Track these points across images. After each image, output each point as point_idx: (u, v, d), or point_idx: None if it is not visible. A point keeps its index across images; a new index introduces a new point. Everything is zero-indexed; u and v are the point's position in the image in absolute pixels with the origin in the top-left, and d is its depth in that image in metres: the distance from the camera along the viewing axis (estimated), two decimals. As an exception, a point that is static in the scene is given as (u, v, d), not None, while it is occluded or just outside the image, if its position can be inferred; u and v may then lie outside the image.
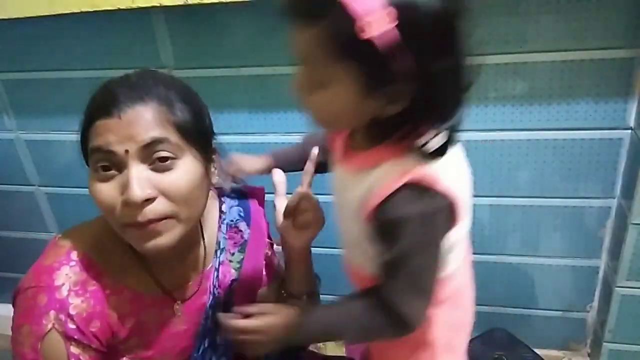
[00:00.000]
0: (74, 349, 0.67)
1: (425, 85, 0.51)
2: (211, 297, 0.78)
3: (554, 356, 1.32)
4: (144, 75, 0.66)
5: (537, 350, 1.23)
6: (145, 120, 0.61)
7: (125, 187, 0.60)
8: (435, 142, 0.55)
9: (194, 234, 0.75)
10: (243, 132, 1.24)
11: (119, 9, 1.08)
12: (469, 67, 0.54)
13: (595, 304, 1.25)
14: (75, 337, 0.67)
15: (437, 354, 0.72)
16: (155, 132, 0.61)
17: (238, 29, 1.15)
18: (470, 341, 1.26)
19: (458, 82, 0.54)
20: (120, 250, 0.71)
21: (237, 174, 0.81)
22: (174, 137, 0.62)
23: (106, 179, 0.61)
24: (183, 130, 0.63)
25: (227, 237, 0.81)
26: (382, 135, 0.58)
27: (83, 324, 0.67)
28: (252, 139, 1.25)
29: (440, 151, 0.56)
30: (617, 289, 1.14)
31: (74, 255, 0.68)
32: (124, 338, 0.72)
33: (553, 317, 1.30)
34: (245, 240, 0.83)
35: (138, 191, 0.59)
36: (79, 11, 1.10)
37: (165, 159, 0.61)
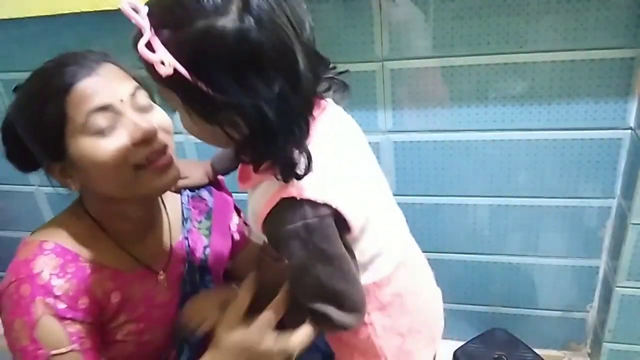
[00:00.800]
0: (70, 328, 0.68)
1: (247, 115, 0.52)
2: (187, 265, 0.82)
3: (554, 356, 1.32)
4: (76, 51, 0.73)
5: (537, 350, 1.23)
6: (118, 74, 0.68)
7: (135, 129, 0.65)
8: (287, 168, 0.55)
9: (157, 207, 0.80)
10: (243, 132, 1.24)
11: (119, 9, 1.08)
12: (298, 94, 0.53)
13: (595, 304, 1.25)
14: (68, 315, 0.68)
15: None
16: (132, 82, 0.69)
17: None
18: (470, 341, 1.27)
19: (285, 110, 0.52)
20: (90, 234, 0.73)
21: (180, 187, 0.86)
22: (139, 85, 0.70)
23: (109, 134, 0.65)
24: (139, 82, 0.71)
25: (190, 207, 0.86)
26: (249, 158, 0.58)
27: (72, 302, 0.68)
28: (252, 139, 1.25)
29: (302, 170, 0.55)
30: (617, 289, 1.14)
31: (46, 245, 0.70)
32: (113, 314, 0.73)
33: (553, 317, 1.30)
34: (210, 208, 0.87)
35: (148, 124, 0.66)
36: (79, 11, 1.10)
37: (144, 104, 0.69)
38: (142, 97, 0.69)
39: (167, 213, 0.83)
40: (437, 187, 1.20)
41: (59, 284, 0.68)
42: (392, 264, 0.69)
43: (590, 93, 1.03)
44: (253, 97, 0.51)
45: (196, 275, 0.83)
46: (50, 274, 0.68)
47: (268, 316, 0.63)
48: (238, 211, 0.95)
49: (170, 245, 0.82)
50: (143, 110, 0.69)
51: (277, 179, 0.56)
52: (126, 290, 0.75)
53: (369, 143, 1.17)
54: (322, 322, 0.63)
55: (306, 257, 0.59)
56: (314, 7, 1.08)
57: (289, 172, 0.55)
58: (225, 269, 0.90)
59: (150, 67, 0.51)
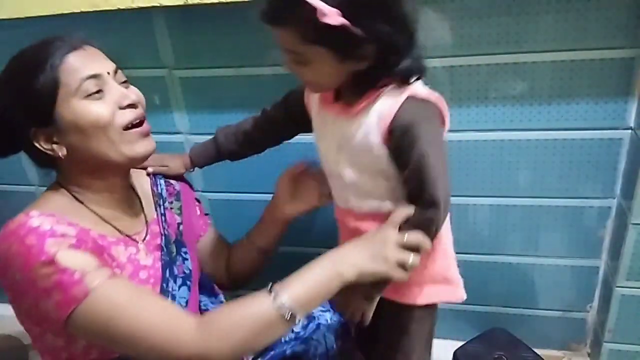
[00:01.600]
0: (89, 256, 0.70)
1: (380, 43, 0.68)
2: (163, 237, 0.89)
3: (554, 356, 1.32)
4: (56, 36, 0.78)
5: (537, 350, 1.23)
6: (101, 54, 0.79)
7: (122, 96, 0.76)
8: (410, 73, 0.73)
9: (129, 186, 0.89)
10: (243, 132, 1.24)
11: (119, 9, 1.08)
12: (411, 21, 0.70)
13: (595, 304, 1.25)
14: (82, 247, 0.70)
15: (451, 263, 0.88)
16: (112, 62, 0.79)
17: (238, 29, 1.15)
18: (470, 341, 1.27)
19: (405, 35, 0.70)
20: (70, 207, 0.77)
21: (158, 172, 0.98)
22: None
23: (98, 99, 0.74)
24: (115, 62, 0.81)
25: (163, 188, 0.96)
26: (366, 85, 0.75)
27: (79, 240, 0.71)
28: (252, 139, 1.25)
29: (417, 77, 0.74)
30: (617, 289, 1.14)
31: (33, 213, 0.71)
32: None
33: (553, 317, 1.30)
34: (178, 191, 0.99)
35: (133, 93, 0.79)
36: (79, 11, 1.10)
37: (124, 81, 0.80)
38: (121, 76, 0.80)
39: (137, 194, 0.91)
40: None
41: (62, 229, 0.70)
42: None
43: (590, 93, 1.03)
44: (393, 27, 0.67)
45: (173, 247, 0.91)
46: (49, 224, 0.70)
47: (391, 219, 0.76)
48: (198, 202, 1.07)
49: (146, 222, 0.89)
50: (125, 86, 0.79)
51: (399, 86, 0.74)
52: (112, 250, 0.78)
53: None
54: (429, 222, 0.76)
55: (433, 140, 0.74)
56: (314, 7, 1.08)
57: (409, 77, 0.73)
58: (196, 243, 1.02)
59: (307, 24, 0.65)
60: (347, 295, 0.79)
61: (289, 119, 0.95)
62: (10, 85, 0.75)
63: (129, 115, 0.77)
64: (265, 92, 1.19)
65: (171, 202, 0.96)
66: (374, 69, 0.72)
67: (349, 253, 0.75)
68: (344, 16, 0.63)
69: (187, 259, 0.94)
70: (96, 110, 0.74)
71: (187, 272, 0.92)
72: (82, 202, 0.79)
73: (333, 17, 0.63)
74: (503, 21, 1.01)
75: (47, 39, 0.76)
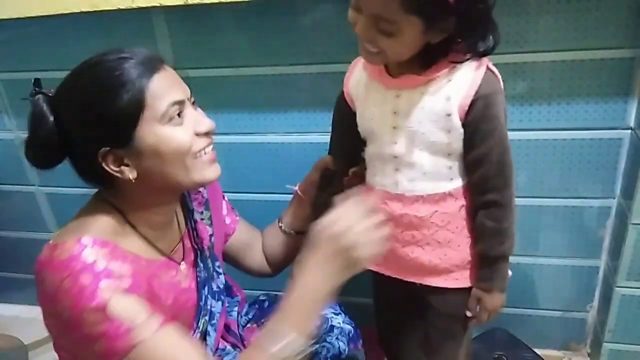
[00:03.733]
0: (141, 303, 0.68)
1: (465, 15, 0.67)
2: (198, 253, 0.88)
3: (554, 356, 1.32)
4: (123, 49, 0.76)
5: (537, 350, 1.23)
6: (175, 72, 0.76)
7: (199, 123, 0.75)
8: (486, 46, 0.74)
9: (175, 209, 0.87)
10: (243, 132, 1.24)
11: (119, 9, 1.08)
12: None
13: (595, 304, 1.25)
14: (137, 292, 0.68)
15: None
16: (186, 86, 0.76)
17: (238, 29, 1.15)
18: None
19: (484, 6, 0.70)
20: (118, 227, 0.74)
21: None
22: None
23: (179, 125, 0.72)
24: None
25: (192, 200, 0.92)
26: (437, 56, 0.73)
27: (134, 282, 0.69)
28: (252, 139, 1.25)
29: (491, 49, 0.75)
30: (617, 289, 1.14)
31: (84, 240, 0.68)
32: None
33: (553, 317, 1.30)
34: (206, 199, 0.94)
35: (209, 120, 0.77)
36: (79, 11, 1.10)
37: (196, 106, 0.78)
38: (192, 97, 0.77)
39: (181, 205, 0.89)
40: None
41: (117, 268, 0.68)
42: None
43: (590, 93, 1.03)
44: (483, 4, 0.69)
45: (207, 261, 0.90)
46: (104, 260, 0.67)
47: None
48: (223, 197, 1.04)
49: (181, 237, 0.87)
50: (194, 107, 0.77)
51: (475, 57, 0.74)
52: (159, 277, 0.78)
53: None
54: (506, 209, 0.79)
55: (506, 111, 0.77)
56: (314, 7, 1.09)
57: (485, 51, 0.74)
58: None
59: None
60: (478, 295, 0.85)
61: (352, 133, 0.88)
62: (85, 101, 0.70)
63: (203, 142, 0.75)
64: (265, 92, 1.20)
65: (201, 213, 0.93)
66: (449, 42, 0.71)
67: (320, 278, 0.70)
68: None
69: (220, 274, 0.94)
70: (179, 136, 0.72)
71: (222, 286, 0.93)
72: (131, 224, 0.77)
73: None
74: (503, 21, 1.01)
75: (121, 55, 0.72)
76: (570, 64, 1.02)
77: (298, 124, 1.20)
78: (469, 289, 0.86)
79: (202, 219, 0.92)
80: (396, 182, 0.82)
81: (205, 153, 0.76)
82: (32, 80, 0.74)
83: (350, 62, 1.11)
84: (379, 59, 0.75)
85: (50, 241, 0.71)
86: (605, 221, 1.15)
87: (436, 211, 0.81)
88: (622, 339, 1.20)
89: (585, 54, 1.00)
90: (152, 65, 0.71)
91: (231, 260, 1.03)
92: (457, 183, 0.80)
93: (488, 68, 0.75)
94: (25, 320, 1.63)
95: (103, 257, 0.67)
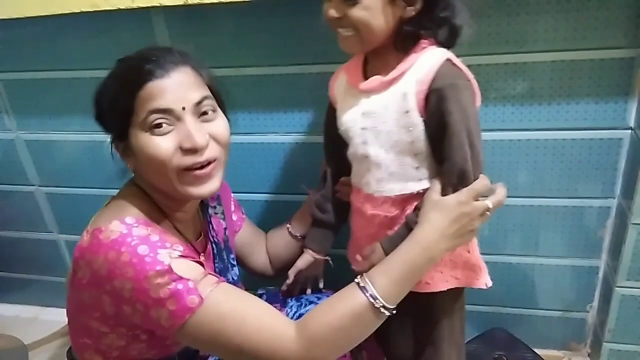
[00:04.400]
0: (196, 265, 0.72)
1: None
2: (214, 246, 0.92)
3: (554, 356, 1.32)
4: (162, 47, 0.80)
5: (537, 350, 1.23)
6: (191, 80, 0.75)
7: (186, 137, 0.72)
8: (454, 33, 0.75)
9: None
10: (243, 132, 1.24)
11: (119, 9, 1.08)
12: None
13: (595, 304, 1.25)
14: (190, 255, 0.72)
15: (472, 249, 0.86)
16: (202, 91, 0.75)
17: (238, 29, 1.15)
18: (470, 341, 1.27)
19: None
20: (152, 213, 0.77)
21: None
22: (209, 94, 0.77)
23: (162, 134, 0.72)
24: (211, 89, 0.79)
25: None
26: (410, 38, 0.74)
27: (185, 248, 0.73)
28: (252, 139, 1.25)
29: (450, 43, 0.76)
30: (617, 289, 1.14)
31: (128, 220, 0.72)
32: None
33: (553, 317, 1.30)
34: (218, 195, 0.97)
35: (201, 138, 0.72)
36: (79, 11, 1.10)
37: (208, 112, 0.76)
38: (207, 106, 0.76)
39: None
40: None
41: (169, 239, 0.72)
42: None
43: (590, 93, 1.03)
44: None
45: (223, 254, 0.93)
46: (156, 234, 0.71)
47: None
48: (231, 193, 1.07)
49: (202, 230, 0.91)
50: (205, 119, 0.76)
51: (440, 45, 0.75)
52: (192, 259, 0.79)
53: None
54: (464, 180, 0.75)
55: (468, 109, 0.72)
56: (314, 7, 1.08)
57: (453, 37, 0.75)
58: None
59: None
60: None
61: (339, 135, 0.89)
62: (105, 91, 0.77)
63: (188, 160, 0.73)
64: (265, 92, 1.20)
65: (214, 207, 0.96)
66: (420, 19, 0.73)
67: (438, 236, 0.73)
68: None
69: (235, 265, 0.96)
70: (155, 147, 0.72)
71: (235, 278, 0.95)
72: (162, 211, 0.80)
73: None
74: (503, 21, 1.01)
75: (146, 53, 0.76)
76: (570, 64, 1.02)
77: (298, 124, 1.20)
78: (457, 288, 0.86)
79: (215, 213, 0.96)
80: (368, 183, 0.83)
81: (192, 169, 0.74)
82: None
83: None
84: (356, 42, 0.76)
85: (88, 227, 0.74)
86: (605, 221, 1.15)
87: (406, 210, 0.81)
88: (622, 339, 1.20)
89: (585, 54, 1.00)
90: (160, 69, 0.73)
91: (238, 256, 1.05)
92: (426, 184, 0.79)
93: (449, 60, 0.74)
94: (25, 320, 1.63)
95: (153, 231, 0.71)
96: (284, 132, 1.22)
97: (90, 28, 1.20)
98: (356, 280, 0.73)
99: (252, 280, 1.12)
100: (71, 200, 1.46)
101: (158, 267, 0.67)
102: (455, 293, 0.87)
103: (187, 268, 0.69)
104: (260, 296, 1.09)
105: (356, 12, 0.72)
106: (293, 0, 1.08)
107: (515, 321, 1.31)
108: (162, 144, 0.72)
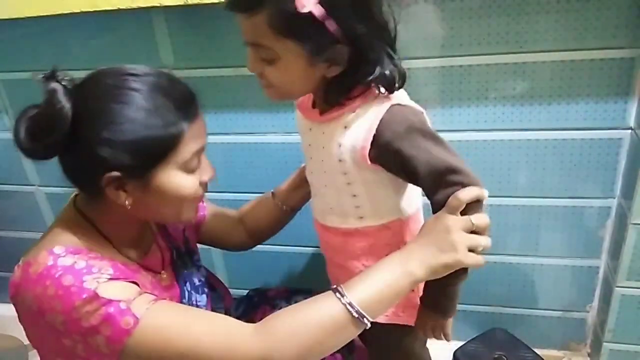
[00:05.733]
0: (129, 285, 0.68)
1: (355, 46, 0.65)
2: (174, 251, 0.88)
3: (554, 356, 1.32)
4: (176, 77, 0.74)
5: (537, 350, 1.23)
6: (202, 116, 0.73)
7: (207, 171, 0.75)
8: (389, 82, 0.69)
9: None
10: (243, 132, 1.24)
11: (119, 9, 1.08)
12: (390, 25, 0.68)
13: (595, 304, 1.25)
14: (120, 277, 0.68)
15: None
16: None
17: (238, 29, 1.15)
18: (470, 341, 1.27)
19: (383, 39, 0.67)
20: (91, 239, 0.73)
21: None
22: None
23: (191, 172, 0.72)
24: None
25: None
26: (339, 93, 0.70)
27: (115, 268, 0.69)
28: (252, 139, 1.25)
29: (397, 86, 0.70)
30: (617, 289, 1.14)
31: (57, 250, 0.68)
32: None
33: (553, 317, 1.30)
34: None
35: (212, 167, 0.77)
36: (79, 11, 1.10)
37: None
38: None
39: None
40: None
41: (97, 263, 0.68)
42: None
43: (590, 93, 1.03)
44: (370, 29, 0.64)
45: (185, 257, 0.90)
46: (83, 261, 0.67)
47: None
48: None
49: (155, 239, 0.86)
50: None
51: (380, 94, 0.70)
52: (139, 277, 0.76)
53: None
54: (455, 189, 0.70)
55: (427, 143, 0.69)
56: (314, 7, 1.08)
57: (391, 85, 0.69)
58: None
59: (281, 12, 0.61)
60: (423, 314, 0.78)
61: None
62: (118, 120, 0.65)
63: (202, 191, 0.75)
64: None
65: None
66: (347, 76, 0.67)
67: (415, 250, 0.70)
68: (321, 7, 0.60)
69: (200, 266, 0.94)
70: (188, 185, 0.71)
71: (203, 279, 0.92)
72: (105, 237, 0.75)
73: (311, 5, 0.59)
74: (503, 21, 1.01)
75: (163, 83, 0.68)
76: (570, 64, 1.02)
77: (298, 124, 1.20)
78: (406, 327, 0.83)
79: None
80: (314, 208, 0.84)
81: (198, 200, 0.76)
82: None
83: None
84: (273, 93, 0.72)
85: (20, 262, 0.71)
86: (605, 221, 1.15)
87: (351, 243, 0.80)
88: (622, 339, 1.20)
89: (585, 54, 1.00)
90: (194, 108, 0.70)
91: (209, 242, 1.02)
92: (369, 222, 0.77)
93: (393, 104, 0.70)
94: (25, 320, 1.63)
95: (80, 259, 0.67)
96: (284, 132, 1.22)
97: (90, 28, 1.20)
98: (333, 287, 0.69)
99: (240, 280, 1.11)
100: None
101: (84, 295, 0.63)
102: (404, 331, 0.85)
103: (117, 290, 0.65)
104: (250, 297, 1.09)
105: (272, 72, 0.68)
106: (293, 0, 1.08)
107: (515, 321, 1.31)
108: (194, 182, 0.72)
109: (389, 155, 0.70)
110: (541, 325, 1.31)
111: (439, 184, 0.70)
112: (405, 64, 1.08)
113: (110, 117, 0.65)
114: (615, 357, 1.23)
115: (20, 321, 0.72)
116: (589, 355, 1.31)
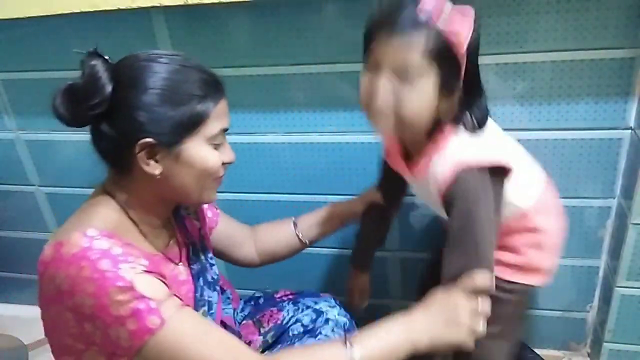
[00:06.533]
0: (160, 283, 0.69)
1: (468, 83, 0.73)
2: (190, 247, 0.90)
3: (554, 356, 1.32)
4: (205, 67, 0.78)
5: (537, 350, 1.23)
6: None
7: (228, 154, 0.79)
8: (474, 121, 0.76)
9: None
10: (243, 132, 1.24)
11: (119, 9, 1.08)
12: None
13: (595, 304, 1.25)
14: (154, 271, 0.70)
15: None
16: None
17: (238, 29, 1.15)
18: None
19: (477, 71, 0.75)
20: (120, 223, 0.75)
21: None
22: None
23: (216, 149, 0.76)
24: None
25: None
26: (436, 131, 0.77)
27: (150, 260, 0.71)
28: (253, 139, 1.25)
29: (480, 126, 0.76)
30: (617, 289, 1.14)
31: (90, 232, 0.69)
32: None
33: (553, 317, 1.30)
34: None
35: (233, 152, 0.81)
36: (79, 11, 1.10)
37: None
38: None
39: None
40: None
41: (132, 252, 0.69)
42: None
43: (590, 93, 1.03)
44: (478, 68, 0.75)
45: (200, 254, 0.92)
46: (118, 247, 0.68)
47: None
48: None
49: (174, 233, 0.88)
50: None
51: (469, 130, 0.76)
52: (162, 269, 0.77)
53: (369, 143, 1.19)
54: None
55: (476, 227, 0.74)
56: (315, 7, 1.09)
57: (483, 120, 0.76)
58: None
59: (436, 40, 0.68)
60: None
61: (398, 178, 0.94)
62: (160, 92, 0.70)
63: (222, 171, 0.79)
64: (265, 92, 1.20)
65: (186, 208, 0.94)
66: (462, 104, 0.74)
67: (422, 321, 0.73)
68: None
69: (213, 265, 0.95)
70: (214, 159, 0.75)
71: (215, 277, 0.94)
72: (132, 220, 0.77)
73: (464, 43, 0.68)
74: (503, 21, 1.01)
75: (202, 67, 0.75)
76: (570, 64, 1.02)
77: (298, 124, 1.20)
78: None
79: (188, 214, 0.93)
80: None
81: (219, 180, 0.80)
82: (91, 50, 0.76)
83: (350, 62, 1.11)
84: (391, 123, 0.74)
85: (50, 240, 0.71)
86: (605, 221, 1.15)
87: None
88: (622, 339, 1.20)
89: (585, 54, 1.00)
90: (221, 89, 0.76)
91: (218, 251, 1.03)
92: None
93: (459, 165, 0.74)
94: (25, 320, 1.63)
95: (115, 244, 0.68)
96: (284, 132, 1.22)
97: (90, 28, 1.21)
98: (343, 337, 0.72)
99: (244, 280, 1.11)
100: (71, 200, 1.46)
101: (119, 283, 0.65)
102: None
103: (151, 286, 0.67)
104: (257, 299, 1.09)
105: (408, 95, 0.71)
106: (293, 1, 1.08)
107: (515, 321, 1.31)
108: (218, 158, 0.76)
109: (448, 205, 0.77)
110: (541, 325, 1.31)
111: (460, 260, 0.75)
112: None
113: (149, 84, 0.70)
114: (615, 357, 1.23)
115: (40, 298, 0.72)
116: (588, 355, 1.31)
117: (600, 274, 1.22)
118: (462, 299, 0.73)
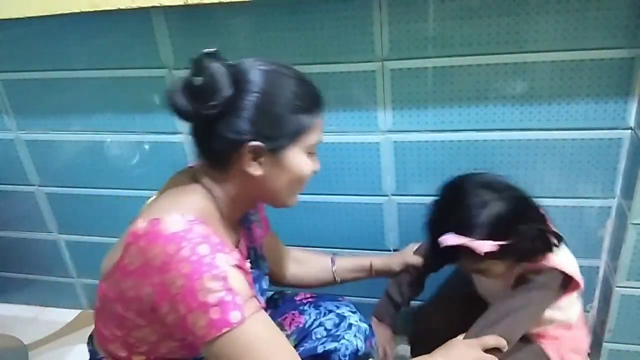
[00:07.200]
0: (245, 282, 0.71)
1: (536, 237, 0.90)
2: (252, 252, 0.93)
3: (554, 356, 1.31)
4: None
5: (537, 350, 1.22)
6: None
7: (317, 164, 0.82)
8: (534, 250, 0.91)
9: None
10: (243, 132, 1.24)
11: (119, 9, 1.08)
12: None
13: (595, 304, 1.25)
14: (243, 267, 0.72)
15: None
16: None
17: (238, 29, 1.15)
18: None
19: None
20: (211, 213, 0.77)
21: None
22: None
23: (310, 159, 0.80)
24: None
25: None
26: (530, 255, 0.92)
27: (240, 259, 0.73)
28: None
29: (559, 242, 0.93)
30: (617, 289, 1.14)
31: (189, 217, 0.71)
32: None
33: (553, 317, 1.29)
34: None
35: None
36: (79, 11, 1.10)
37: None
38: None
39: None
40: (437, 187, 1.20)
41: (226, 243, 0.72)
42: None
43: (590, 93, 1.03)
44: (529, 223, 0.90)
45: (260, 261, 0.95)
46: (215, 236, 0.71)
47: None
48: None
49: (238, 237, 0.89)
50: None
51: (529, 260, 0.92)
52: (244, 267, 0.78)
53: (369, 143, 1.18)
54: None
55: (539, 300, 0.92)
56: (314, 7, 1.09)
57: (548, 249, 0.91)
58: None
59: (477, 254, 0.84)
60: None
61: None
62: (279, 99, 0.74)
63: (309, 178, 0.82)
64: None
65: (253, 214, 0.97)
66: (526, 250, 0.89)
67: None
68: (495, 236, 0.84)
69: (267, 274, 0.97)
70: (308, 169, 0.80)
71: (266, 286, 0.96)
72: (221, 213, 0.80)
73: (488, 247, 0.83)
74: (503, 21, 1.01)
75: (306, 77, 0.79)
76: (570, 64, 1.02)
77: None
78: None
79: (254, 220, 0.96)
80: None
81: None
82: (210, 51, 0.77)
83: (350, 62, 1.11)
84: (491, 284, 0.99)
85: (144, 215, 0.72)
86: (605, 221, 1.15)
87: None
88: (622, 339, 1.20)
89: (585, 54, 1.00)
90: (324, 104, 0.80)
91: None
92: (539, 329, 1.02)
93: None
94: (25, 320, 1.63)
95: (213, 233, 0.71)
96: (284, 132, 1.22)
97: (90, 28, 1.21)
98: None
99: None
100: (71, 200, 1.46)
101: (215, 271, 0.66)
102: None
103: (240, 282, 0.69)
104: (275, 300, 1.09)
105: (485, 279, 0.94)
106: (293, 1, 1.08)
107: (515, 321, 1.31)
108: (310, 167, 0.80)
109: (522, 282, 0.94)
110: (541, 325, 1.31)
111: (492, 327, 0.88)
112: (405, 64, 1.09)
113: (267, 91, 0.73)
114: (615, 357, 1.23)
115: (117, 266, 0.73)
116: (589, 355, 1.31)
117: (600, 274, 1.22)
118: (480, 353, 0.84)
